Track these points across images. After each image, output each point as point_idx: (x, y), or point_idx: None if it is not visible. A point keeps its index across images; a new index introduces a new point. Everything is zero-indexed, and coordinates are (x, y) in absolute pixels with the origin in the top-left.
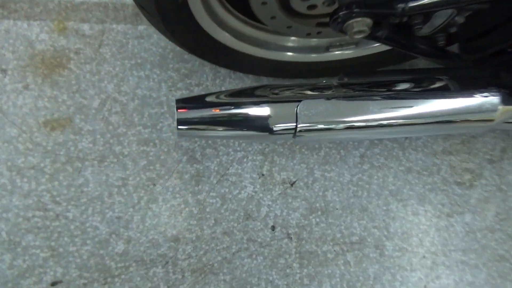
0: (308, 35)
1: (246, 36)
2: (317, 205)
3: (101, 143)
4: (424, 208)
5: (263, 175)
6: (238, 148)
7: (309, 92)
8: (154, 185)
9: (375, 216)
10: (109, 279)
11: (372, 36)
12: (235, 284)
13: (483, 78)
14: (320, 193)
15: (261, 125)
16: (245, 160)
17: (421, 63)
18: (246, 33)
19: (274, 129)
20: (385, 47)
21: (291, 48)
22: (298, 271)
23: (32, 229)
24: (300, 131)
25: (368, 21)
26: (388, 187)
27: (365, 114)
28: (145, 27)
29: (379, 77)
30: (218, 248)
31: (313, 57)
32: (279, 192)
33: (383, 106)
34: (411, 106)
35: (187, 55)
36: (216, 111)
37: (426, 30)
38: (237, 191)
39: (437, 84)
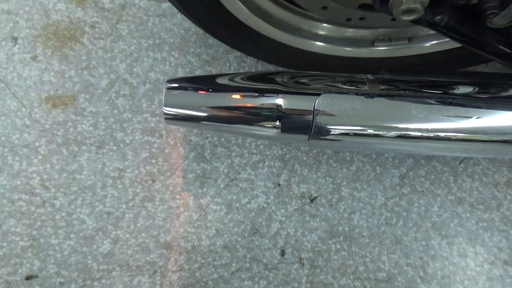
0: (349, 21)
1: (272, 16)
2: (340, 228)
3: (102, 128)
4: (474, 250)
5: (279, 185)
6: (255, 151)
7: (336, 85)
8: (153, 181)
9: (411, 251)
10: (88, 282)
11: (427, 21)
12: None
13: None
14: (345, 215)
15: (269, 120)
16: (260, 165)
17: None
18: (272, 12)
19: (285, 126)
20: (446, 46)
21: (329, 38)
22: None
23: (15, 214)
24: (317, 132)
25: None
26: (431, 218)
27: (406, 119)
28: (169, 5)
29: (431, 76)
30: (215, 263)
31: (354, 51)
32: (296, 207)
33: (432, 112)
34: (473, 117)
35: (211, 40)
36: (214, 97)
37: (501, 20)
38: (246, 200)
39: (510, 92)
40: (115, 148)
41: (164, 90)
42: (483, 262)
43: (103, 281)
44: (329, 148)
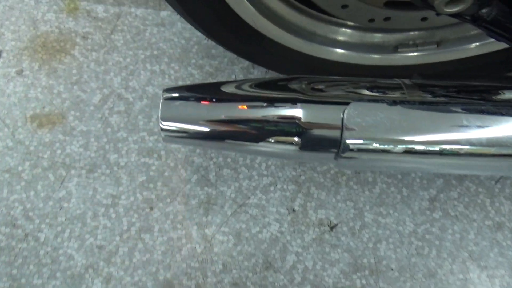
0: (371, 22)
1: (285, 20)
2: (365, 260)
3: (94, 149)
4: None
5: (294, 210)
6: (265, 172)
7: (366, 92)
8: (151, 209)
9: (447, 286)
10: None
11: (471, 15)
12: None
13: None
14: (370, 245)
15: (287, 135)
16: (272, 188)
17: None
18: (285, 15)
19: (306, 142)
20: (480, 50)
21: (347, 44)
22: None
23: None
24: (346, 149)
25: None
26: (468, 247)
27: (458, 131)
28: (168, 13)
29: (475, 80)
30: None
31: (376, 58)
32: (314, 236)
33: (487, 122)
34: None
35: (215, 50)
36: (220, 108)
37: None
38: (257, 229)
39: None
40: (108, 171)
41: (161, 101)
42: None
43: None
44: (359, 169)
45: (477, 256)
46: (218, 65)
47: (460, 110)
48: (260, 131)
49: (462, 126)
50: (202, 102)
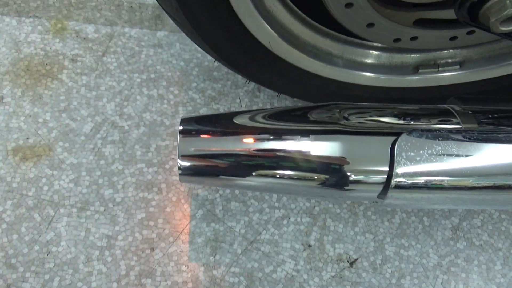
0: (396, 41)
1: (301, 40)
2: None
3: (86, 184)
4: None
5: (309, 246)
6: (277, 204)
7: (413, 121)
8: (152, 250)
9: None
10: None
11: None
12: None
13: None
14: (393, 280)
15: (330, 173)
16: (285, 222)
17: None
18: (301, 36)
19: (349, 181)
20: (505, 71)
21: (366, 65)
22: None
23: None
24: (397, 186)
25: None
26: (496, 278)
27: None
28: (165, 34)
29: None
30: None
31: (395, 80)
32: (333, 273)
33: None
34: None
35: (216, 72)
36: (246, 144)
37: None
38: (271, 268)
39: None
40: (102, 209)
41: (179, 136)
42: None
43: None
44: (407, 207)
45: None
46: (221, 89)
47: None
48: (297, 168)
49: None
50: (226, 136)
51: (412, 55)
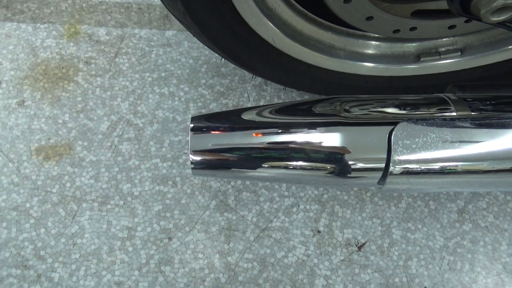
0: (396, 32)
1: (304, 35)
2: (397, 279)
3: (105, 179)
4: None
5: (319, 232)
6: (286, 193)
7: (410, 111)
8: (170, 239)
9: None
10: None
11: None
12: None
13: None
14: (401, 262)
15: (332, 162)
16: (295, 209)
17: None
18: (304, 31)
19: (351, 168)
20: (505, 55)
21: (367, 56)
22: None
23: None
24: (394, 173)
25: None
26: (501, 258)
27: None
28: (174, 33)
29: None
30: None
31: (397, 69)
32: (342, 257)
33: None
34: None
35: (224, 68)
36: (254, 138)
37: None
38: (282, 253)
39: None
40: (121, 202)
41: (190, 133)
42: None
43: None
44: (405, 192)
45: (511, 268)
46: (229, 84)
47: None
48: (303, 159)
49: None
50: (234, 132)
51: (413, 44)
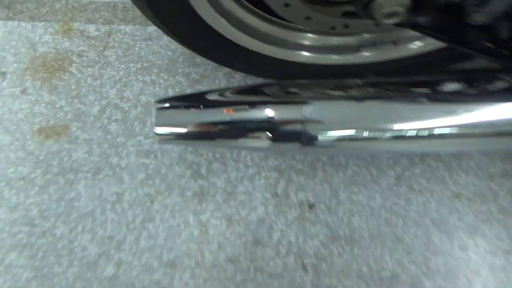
0: (333, 29)
1: (256, 30)
2: (341, 232)
3: (97, 154)
4: (475, 243)
5: (277, 195)
6: (250, 163)
7: (325, 91)
8: (152, 202)
9: (412, 249)
10: None
11: (410, 23)
12: None
13: None
14: (345, 219)
15: (261, 132)
16: (257, 177)
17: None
18: (254, 26)
19: (276, 136)
20: (432, 46)
21: (311, 48)
22: None
23: (16, 246)
24: (308, 139)
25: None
26: (430, 215)
27: (397, 120)
28: (155, 28)
29: (418, 76)
30: (220, 277)
31: (341, 59)
32: (295, 215)
33: (422, 111)
34: (462, 112)
35: (199, 59)
36: (205, 113)
37: (482, 17)
38: (246, 212)
39: (499, 85)
40: (111, 173)
41: (154, 110)
42: (484, 254)
43: None
44: (324, 154)
45: (438, 223)
46: (203, 72)
47: (400, 102)
48: (240, 129)
49: (401, 115)
50: (190, 109)
51: (352, 38)
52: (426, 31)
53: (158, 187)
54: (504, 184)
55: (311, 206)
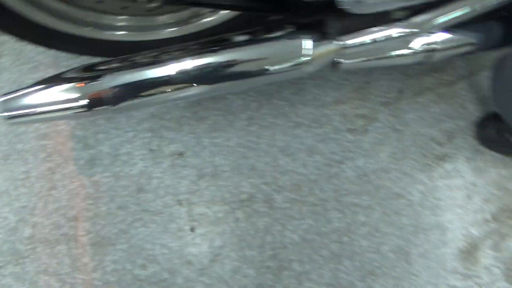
0: (124, 9)
1: (56, 10)
2: (207, 170)
3: (5, 143)
4: (313, 159)
5: (152, 150)
6: (128, 129)
7: (125, 63)
8: (53, 173)
9: (264, 173)
10: (20, 260)
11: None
12: (131, 251)
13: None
14: (209, 159)
15: (76, 102)
16: (134, 139)
17: None
18: (54, 7)
19: (91, 105)
20: (222, 18)
21: (123, 27)
22: (189, 232)
23: None
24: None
25: None
26: (277, 144)
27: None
28: None
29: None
30: (114, 221)
31: (148, 35)
32: (169, 163)
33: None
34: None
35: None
36: (35, 91)
37: None
38: (129, 168)
39: (238, 38)
40: (17, 156)
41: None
42: (321, 166)
43: (31, 256)
44: (132, 109)
45: (283, 149)
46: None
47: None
48: (61, 104)
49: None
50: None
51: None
52: (195, 3)
53: (57, 161)
54: (337, 109)
55: (180, 154)
